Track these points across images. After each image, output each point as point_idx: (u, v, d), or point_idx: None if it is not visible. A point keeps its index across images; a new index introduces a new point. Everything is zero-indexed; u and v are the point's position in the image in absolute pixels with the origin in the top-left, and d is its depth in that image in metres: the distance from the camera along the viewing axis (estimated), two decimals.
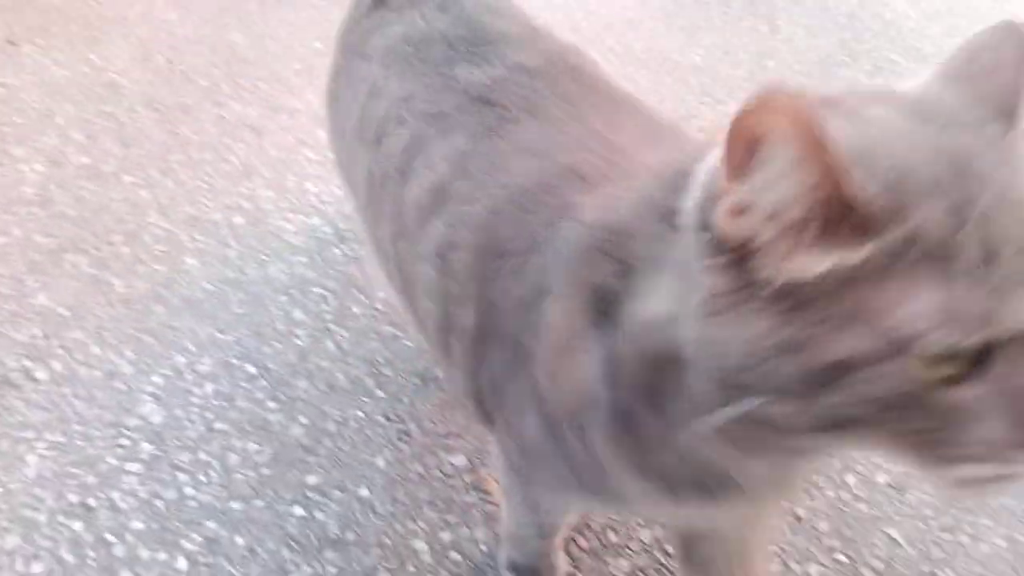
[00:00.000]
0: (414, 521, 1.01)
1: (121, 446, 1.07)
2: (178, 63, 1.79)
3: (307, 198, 1.47)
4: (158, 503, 1.02)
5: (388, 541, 0.99)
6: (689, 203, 0.46)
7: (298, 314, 1.27)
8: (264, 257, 1.35)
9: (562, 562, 0.95)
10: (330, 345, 1.22)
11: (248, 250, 1.36)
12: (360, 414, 1.13)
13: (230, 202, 1.45)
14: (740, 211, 0.41)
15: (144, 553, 0.97)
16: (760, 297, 0.41)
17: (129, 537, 0.98)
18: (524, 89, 0.74)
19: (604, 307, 0.53)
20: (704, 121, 1.73)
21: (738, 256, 0.42)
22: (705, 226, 0.43)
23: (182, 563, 0.96)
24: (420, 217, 0.74)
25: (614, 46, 1.98)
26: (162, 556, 0.97)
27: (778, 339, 0.40)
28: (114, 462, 1.06)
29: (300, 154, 1.57)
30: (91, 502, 1.01)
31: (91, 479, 1.04)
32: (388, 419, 1.12)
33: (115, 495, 1.02)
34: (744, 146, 0.39)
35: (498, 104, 0.74)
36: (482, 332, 0.68)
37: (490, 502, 1.04)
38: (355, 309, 1.27)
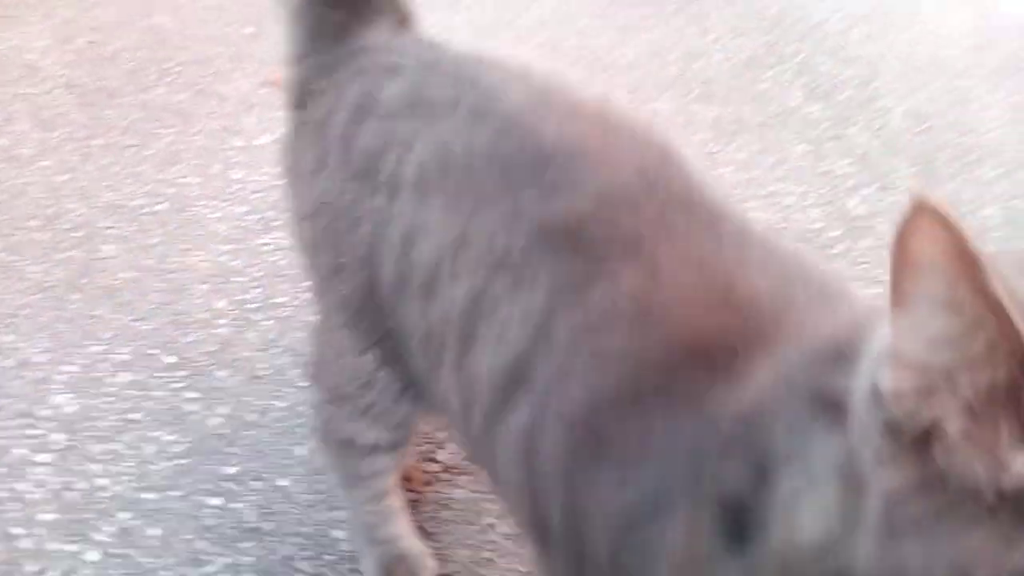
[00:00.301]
0: (334, 510, 1.02)
1: (31, 436, 1.05)
2: (101, 45, 1.75)
3: (233, 186, 1.45)
4: (69, 494, 1.00)
5: (306, 530, 0.99)
6: (857, 380, 0.36)
7: (220, 303, 1.25)
8: (186, 245, 1.33)
9: None
10: (253, 335, 1.21)
11: (170, 238, 1.34)
12: (282, 404, 1.12)
13: (153, 189, 1.42)
14: (909, 366, 0.32)
15: (52, 545, 0.95)
16: (971, 501, 0.30)
17: (37, 529, 0.96)
18: (615, 225, 0.57)
19: (739, 526, 0.42)
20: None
21: (926, 441, 0.32)
22: (876, 402, 0.33)
23: (93, 554, 0.95)
24: (496, 399, 0.59)
25: (546, 42, 2.00)
26: (72, 548, 0.95)
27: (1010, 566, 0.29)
28: (24, 452, 1.03)
29: (227, 142, 1.55)
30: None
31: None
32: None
33: (23, 486, 1.00)
34: (906, 270, 0.31)
35: (584, 248, 0.56)
36: (569, 548, 0.56)
37: (411, 490, 1.05)
38: (280, 299, 1.27)
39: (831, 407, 0.37)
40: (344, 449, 0.86)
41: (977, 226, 1.67)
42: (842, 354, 0.38)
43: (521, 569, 0.99)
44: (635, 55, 2.00)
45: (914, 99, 2.01)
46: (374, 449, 0.84)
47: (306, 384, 0.85)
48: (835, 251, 1.53)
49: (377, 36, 0.78)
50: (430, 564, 0.94)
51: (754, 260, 0.55)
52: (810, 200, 1.64)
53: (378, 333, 0.73)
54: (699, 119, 1.80)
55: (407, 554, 0.92)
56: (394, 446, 0.86)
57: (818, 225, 1.58)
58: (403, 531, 0.93)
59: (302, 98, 0.80)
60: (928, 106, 2.00)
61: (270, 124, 1.57)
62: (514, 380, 0.57)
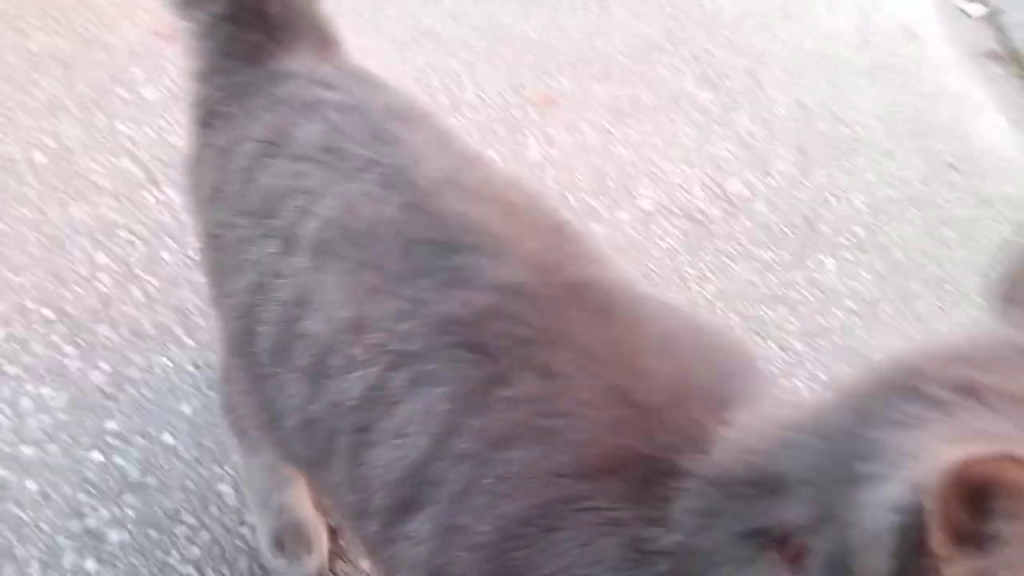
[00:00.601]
0: (220, 466, 1.02)
1: None
2: None
3: (117, 138, 1.40)
4: None
5: (192, 485, 1.00)
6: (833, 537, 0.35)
7: (102, 258, 1.22)
8: (67, 197, 1.29)
9: None
10: (136, 292, 1.19)
11: (49, 190, 1.29)
12: (167, 361, 1.11)
13: (31, 138, 1.36)
14: None
15: None
16: None
17: None
18: (512, 322, 0.55)
19: None
20: (532, 92, 1.81)
21: None
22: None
23: None
24: (395, 506, 0.56)
25: (452, 9, 2.00)
26: None
27: None
28: None
29: (112, 92, 1.49)
30: None
31: None
32: (197, 367, 1.11)
33: None
34: (969, 506, 0.30)
35: (486, 352, 0.54)
36: None
37: None
38: (165, 256, 1.24)
39: (770, 543, 0.37)
40: (248, 439, 0.85)
41: (847, 212, 1.81)
42: (765, 479, 0.37)
43: None
44: (538, 30, 2.04)
45: (797, 90, 2.14)
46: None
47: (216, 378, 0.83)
48: (715, 229, 1.62)
49: (297, 62, 0.71)
50: (323, 533, 0.93)
51: (651, 347, 0.54)
52: (695, 181, 1.73)
53: (256, 386, 0.68)
54: (596, 98, 1.86)
55: (301, 521, 0.91)
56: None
57: (701, 204, 1.67)
58: (299, 498, 0.92)
59: (207, 118, 0.75)
60: (809, 97, 2.12)
61: (157, 76, 1.52)
62: (415, 487, 0.54)
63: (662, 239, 1.57)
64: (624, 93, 1.91)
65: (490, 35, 1.96)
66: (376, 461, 0.56)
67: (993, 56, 2.71)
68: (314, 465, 0.63)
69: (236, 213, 0.66)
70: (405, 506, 0.55)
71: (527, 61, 1.92)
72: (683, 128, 1.88)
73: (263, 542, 0.91)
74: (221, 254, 0.68)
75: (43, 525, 0.93)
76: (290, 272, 0.61)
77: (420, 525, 0.54)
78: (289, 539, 0.90)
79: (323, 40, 0.75)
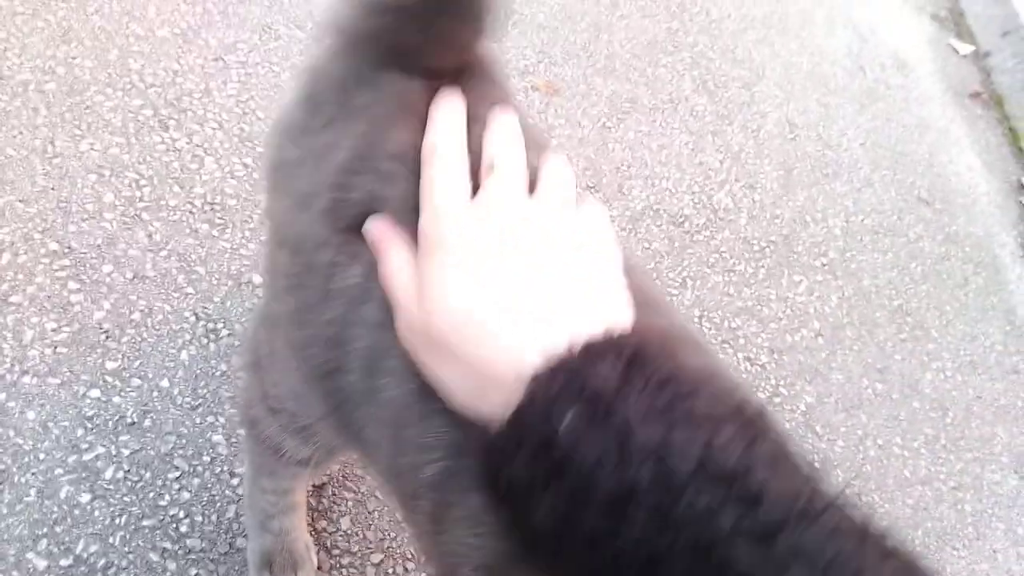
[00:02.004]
0: (214, 416, 1.06)
1: None
2: None
3: (129, 76, 1.40)
4: None
5: (186, 431, 1.03)
6: None
7: (109, 197, 1.23)
8: (77, 131, 1.29)
9: None
10: (141, 234, 1.20)
11: (59, 120, 1.29)
12: (167, 307, 1.14)
13: (43, 65, 1.35)
14: None
15: None
16: None
17: None
18: None
19: None
20: (536, 78, 1.84)
21: None
22: None
23: None
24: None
25: None
26: None
27: None
28: None
29: (127, 27, 1.48)
30: None
31: None
32: (196, 316, 1.14)
33: None
34: None
35: None
36: None
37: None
38: (171, 202, 1.26)
39: None
40: (266, 450, 0.76)
41: (823, 235, 1.89)
42: None
43: None
44: (547, 17, 2.06)
45: (788, 108, 2.20)
46: (299, 462, 0.77)
47: (240, 372, 0.76)
48: (698, 238, 1.68)
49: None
50: (314, 560, 0.94)
51: None
52: (684, 187, 1.79)
53: (332, 405, 0.59)
54: (598, 91, 1.90)
55: (293, 549, 0.91)
56: (320, 462, 0.79)
57: (687, 211, 1.73)
58: (297, 526, 0.91)
59: (326, 94, 0.57)
60: (799, 117, 2.20)
61: (172, 16, 1.52)
62: None
63: (648, 241, 1.63)
64: (624, 90, 1.95)
65: (499, 16, 1.98)
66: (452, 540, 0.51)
67: (976, 97, 2.82)
68: (398, 492, 0.57)
69: (330, 231, 0.54)
70: None
71: (534, 46, 1.94)
72: (678, 133, 1.94)
73: (252, 559, 0.91)
74: (304, 273, 0.56)
75: (42, 455, 0.95)
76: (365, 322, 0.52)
77: None
78: (279, 561, 0.90)
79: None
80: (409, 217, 0.49)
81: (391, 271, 0.48)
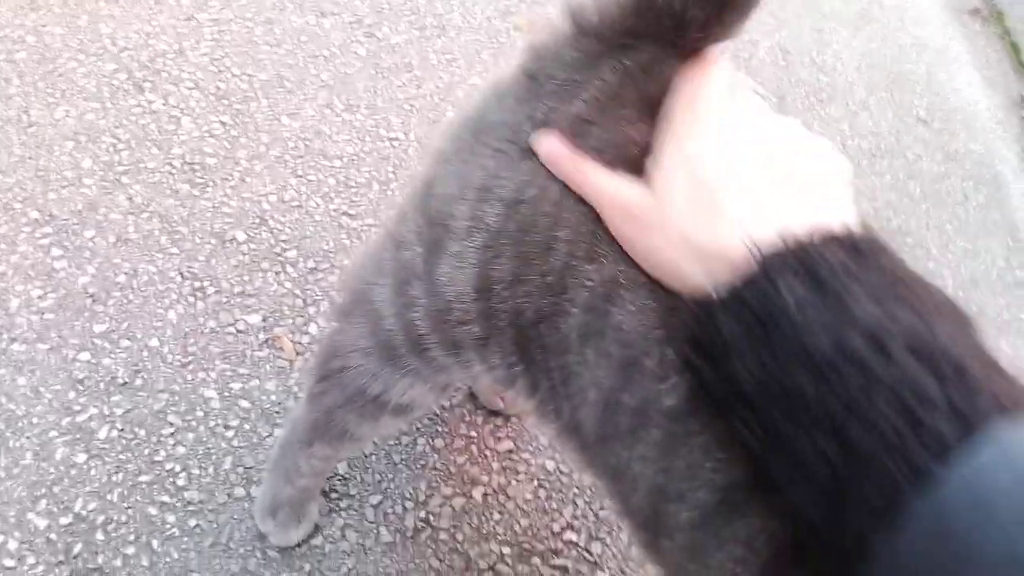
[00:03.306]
0: (205, 372, 1.06)
1: None
2: None
3: (101, 41, 1.39)
4: None
5: (177, 388, 1.04)
6: None
7: (87, 163, 1.22)
8: (51, 99, 1.28)
9: None
10: (121, 198, 1.20)
11: (32, 89, 1.28)
12: (152, 268, 1.14)
13: (12, 34, 1.34)
14: None
15: None
16: None
17: None
18: None
19: None
20: (519, 17, 1.80)
21: None
22: None
23: None
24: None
25: None
26: None
27: None
28: None
29: None
30: None
31: None
32: (182, 276, 1.14)
33: None
34: None
35: None
36: None
37: (282, 358, 1.10)
38: (150, 164, 1.25)
39: None
40: (356, 404, 0.73)
41: None
42: None
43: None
44: None
45: (781, 35, 2.15)
46: (397, 410, 0.74)
47: (333, 321, 0.72)
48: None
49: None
50: (315, 515, 0.96)
51: None
52: None
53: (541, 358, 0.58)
54: None
55: (305, 504, 0.93)
56: (420, 409, 0.77)
57: None
58: (317, 487, 0.94)
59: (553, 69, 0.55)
60: (792, 43, 2.15)
61: None
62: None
63: None
64: None
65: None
66: (683, 466, 0.51)
67: (975, 14, 2.74)
68: (597, 437, 0.57)
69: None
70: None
71: None
72: None
73: (261, 503, 0.93)
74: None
75: (35, 419, 0.96)
76: (603, 254, 0.53)
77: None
78: (287, 511, 0.92)
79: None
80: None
81: (587, 170, 0.51)
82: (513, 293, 0.56)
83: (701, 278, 0.45)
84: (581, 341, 0.53)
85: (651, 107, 0.52)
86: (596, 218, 0.51)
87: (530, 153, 0.54)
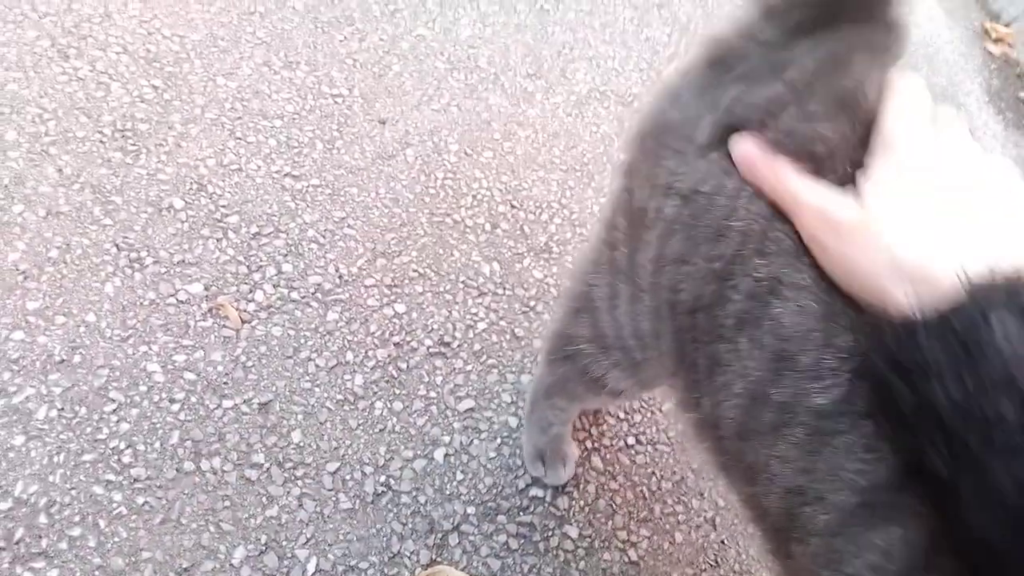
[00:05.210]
0: (147, 345, 1.02)
1: None
2: None
3: (20, 6, 1.31)
4: None
5: (118, 363, 0.99)
6: None
7: (11, 135, 1.16)
8: None
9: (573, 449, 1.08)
10: (50, 169, 1.14)
11: None
12: (86, 241, 1.08)
13: None
14: None
15: None
16: None
17: None
18: None
19: None
20: None
21: None
22: None
23: None
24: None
25: None
26: None
27: None
28: None
29: None
30: None
31: None
32: (118, 247, 1.09)
33: None
34: None
35: None
36: None
37: (227, 327, 1.06)
38: (79, 133, 1.19)
39: None
40: (585, 381, 0.81)
41: None
42: None
43: (339, 397, 1.05)
44: None
45: None
46: (612, 392, 0.81)
47: (563, 314, 0.80)
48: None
49: None
50: (575, 453, 1.08)
51: None
52: (631, 65, 1.71)
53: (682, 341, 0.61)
54: None
55: (562, 447, 1.04)
56: (631, 394, 0.93)
57: (635, 89, 1.66)
58: (569, 431, 1.04)
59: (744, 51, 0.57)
60: None
61: None
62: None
63: (595, 124, 1.56)
64: None
65: None
66: (825, 468, 0.51)
67: None
68: (740, 435, 0.57)
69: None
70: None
71: None
72: (622, 9, 1.85)
73: (528, 453, 1.05)
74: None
75: None
76: (773, 249, 0.53)
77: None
78: (550, 455, 1.03)
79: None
80: (847, 155, 0.52)
81: (786, 176, 0.51)
82: (677, 271, 0.58)
83: (902, 297, 0.45)
84: (736, 329, 0.54)
85: (842, 105, 0.52)
86: (771, 216, 0.52)
87: (705, 150, 0.55)
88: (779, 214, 0.53)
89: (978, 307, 0.42)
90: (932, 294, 0.44)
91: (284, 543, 0.92)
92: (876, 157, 0.50)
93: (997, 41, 2.47)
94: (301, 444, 1.00)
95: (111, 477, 0.91)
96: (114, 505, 0.90)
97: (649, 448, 1.14)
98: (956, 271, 0.43)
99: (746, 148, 0.53)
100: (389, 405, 1.06)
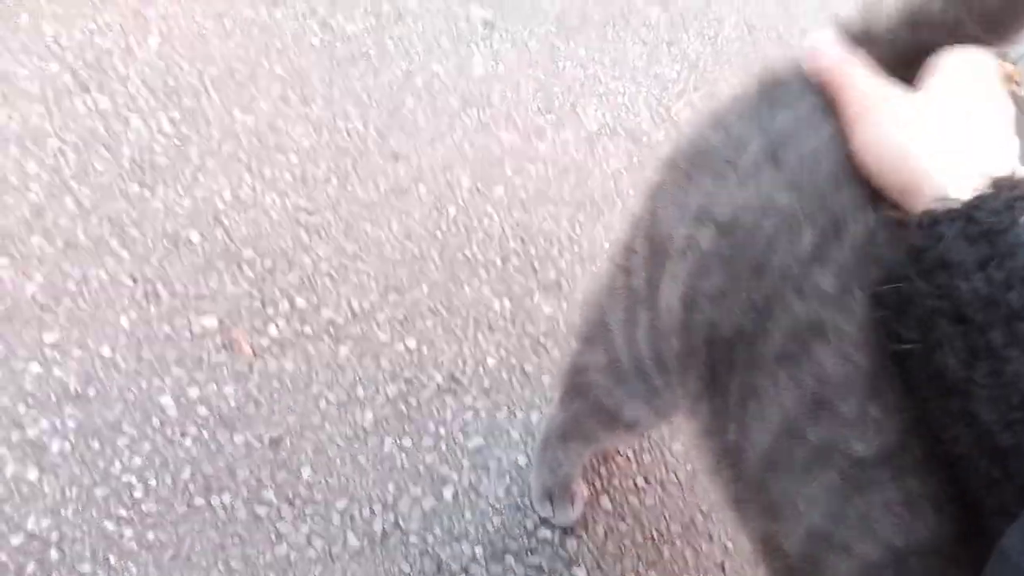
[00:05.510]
0: (160, 378, 1.03)
1: None
2: None
3: (44, 40, 1.34)
4: None
5: (132, 397, 1.00)
6: None
7: (33, 167, 1.18)
8: None
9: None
10: (69, 202, 1.16)
11: None
12: (103, 274, 1.10)
13: None
14: None
15: None
16: None
17: None
18: None
19: None
20: (478, 6, 1.76)
21: None
22: None
23: None
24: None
25: None
26: None
27: None
28: None
29: None
30: None
31: None
32: (134, 280, 1.10)
33: None
34: None
35: None
36: None
37: (241, 361, 1.07)
38: (98, 166, 1.21)
39: None
40: (597, 414, 0.81)
41: None
42: None
43: (348, 433, 1.05)
44: None
45: (746, 10, 2.13)
46: (628, 425, 0.81)
47: (575, 343, 0.80)
48: (658, 151, 1.63)
49: None
50: (584, 494, 1.07)
51: None
52: (640, 101, 1.73)
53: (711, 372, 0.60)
54: (544, 10, 1.83)
55: (571, 487, 1.04)
56: (647, 426, 0.93)
57: (645, 126, 1.68)
58: (578, 472, 1.04)
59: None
60: (757, 18, 2.12)
61: None
62: None
63: (606, 160, 1.58)
64: (573, 5, 1.88)
65: None
66: (855, 516, 0.50)
67: None
68: (767, 466, 0.56)
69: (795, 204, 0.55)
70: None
71: None
72: (631, 46, 1.87)
73: (536, 492, 1.05)
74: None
75: None
76: (811, 293, 0.52)
77: None
78: (558, 494, 1.03)
79: None
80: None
81: (850, 67, 0.52)
82: (715, 307, 0.56)
83: (938, 187, 0.45)
84: (777, 362, 0.52)
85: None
86: (811, 259, 0.50)
87: (750, 174, 0.53)
88: (821, 255, 0.50)
89: (1003, 200, 0.41)
90: (959, 190, 0.43)
91: None
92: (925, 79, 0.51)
93: (1004, 79, 2.49)
94: (311, 481, 1.00)
95: (123, 512, 0.92)
96: (125, 540, 0.90)
97: (658, 488, 1.14)
98: (983, 169, 0.43)
99: (820, 37, 0.54)
100: (398, 441, 1.07)
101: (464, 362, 1.18)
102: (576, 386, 0.81)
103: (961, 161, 0.46)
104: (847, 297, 0.49)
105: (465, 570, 0.98)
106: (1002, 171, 0.43)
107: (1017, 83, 2.50)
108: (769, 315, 0.52)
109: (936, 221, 0.43)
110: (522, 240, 1.38)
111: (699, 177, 0.57)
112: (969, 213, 0.42)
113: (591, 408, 0.81)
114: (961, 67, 0.50)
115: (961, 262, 0.41)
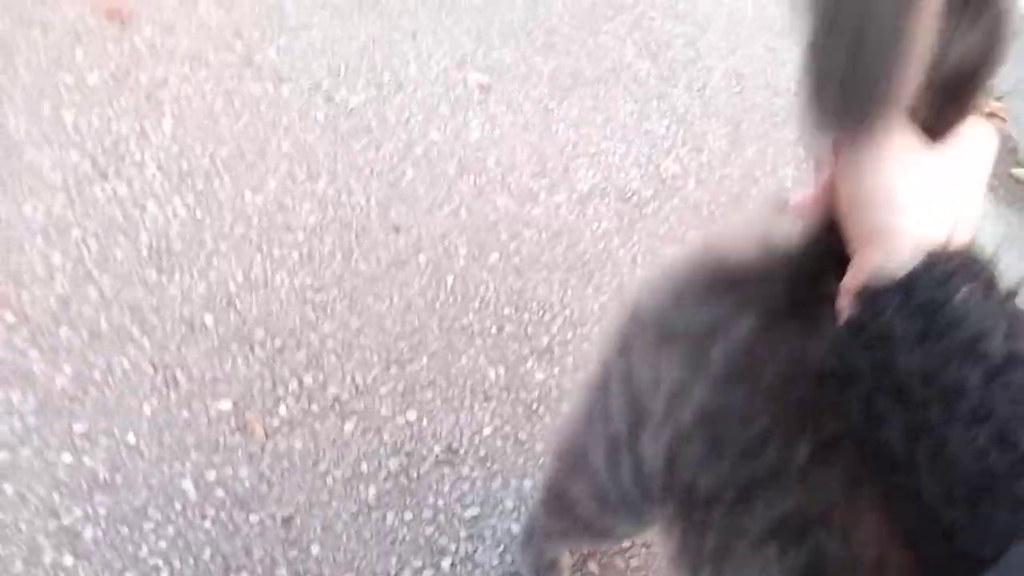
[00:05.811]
0: (181, 463, 1.12)
1: None
2: None
3: (65, 129, 1.43)
4: None
5: (156, 482, 1.09)
6: None
7: (57, 258, 1.27)
8: (19, 194, 1.32)
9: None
10: (92, 291, 1.25)
11: (0, 187, 1.32)
12: (125, 362, 1.19)
13: None
14: None
15: None
16: None
17: None
18: None
19: None
20: (475, 70, 1.84)
21: None
22: None
23: None
24: None
25: None
26: None
27: None
28: None
29: (55, 77, 1.50)
30: None
31: None
32: (154, 367, 1.20)
33: None
34: None
35: None
36: None
37: (253, 443, 1.16)
38: (117, 253, 1.30)
39: None
40: (577, 527, 0.87)
41: (774, 185, 1.91)
42: None
43: (353, 508, 1.14)
44: None
45: (734, 59, 2.20)
46: (617, 538, 0.97)
47: (557, 470, 0.84)
48: (647, 211, 1.72)
49: None
50: (568, 562, 1.15)
51: None
52: (630, 160, 1.81)
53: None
54: (538, 71, 1.90)
55: (556, 562, 1.11)
56: (625, 535, 1.03)
57: (635, 185, 1.76)
58: (563, 554, 1.11)
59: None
60: (746, 66, 2.19)
61: (100, 59, 1.53)
62: None
63: (596, 222, 1.66)
64: (566, 64, 1.96)
65: (433, 3, 1.97)
66: None
67: None
68: None
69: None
70: None
71: (470, 32, 1.94)
72: (623, 103, 1.95)
73: (523, 568, 1.13)
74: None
75: (22, 525, 1.02)
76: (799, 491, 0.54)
77: None
78: (544, 570, 1.10)
79: None
80: None
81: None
82: (695, 473, 0.59)
83: (880, 260, 0.45)
84: (762, 537, 0.54)
85: None
86: (805, 451, 0.51)
87: (729, 376, 0.55)
88: (818, 456, 0.51)
89: (939, 273, 0.41)
90: (901, 258, 0.43)
91: None
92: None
93: (989, 116, 2.56)
94: (320, 557, 1.09)
95: None
96: None
97: (643, 550, 1.22)
98: (916, 239, 0.43)
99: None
100: (400, 515, 1.15)
101: (461, 432, 1.26)
102: (560, 508, 0.84)
103: (933, 229, 0.45)
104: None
105: None
106: (935, 242, 0.43)
107: (1003, 119, 2.57)
108: (748, 499, 0.54)
109: (877, 294, 0.43)
110: (516, 307, 1.46)
111: (670, 357, 0.59)
112: (909, 285, 0.42)
113: (582, 527, 0.85)
114: (975, 140, 0.50)
115: (903, 336, 0.41)
